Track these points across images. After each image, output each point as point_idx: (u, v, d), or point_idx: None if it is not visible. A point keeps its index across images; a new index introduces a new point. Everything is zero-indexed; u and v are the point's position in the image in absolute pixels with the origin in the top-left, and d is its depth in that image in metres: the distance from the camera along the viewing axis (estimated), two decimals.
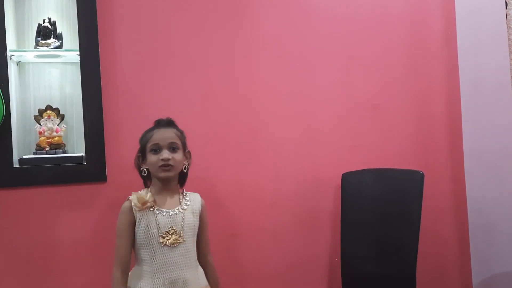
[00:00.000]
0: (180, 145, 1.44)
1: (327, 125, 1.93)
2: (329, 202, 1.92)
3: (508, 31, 1.80)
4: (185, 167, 1.47)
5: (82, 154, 1.74)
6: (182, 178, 1.50)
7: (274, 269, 1.87)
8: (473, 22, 1.99)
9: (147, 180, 1.49)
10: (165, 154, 1.39)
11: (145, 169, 1.44)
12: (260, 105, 1.88)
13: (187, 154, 1.48)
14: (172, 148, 1.42)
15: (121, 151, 1.75)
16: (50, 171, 1.68)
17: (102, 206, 1.74)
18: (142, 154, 1.46)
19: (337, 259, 1.84)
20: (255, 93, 1.88)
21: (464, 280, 2.05)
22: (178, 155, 1.42)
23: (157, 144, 1.41)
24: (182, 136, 1.47)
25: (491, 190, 1.93)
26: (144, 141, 1.45)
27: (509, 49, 1.81)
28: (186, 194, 1.48)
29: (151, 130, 1.45)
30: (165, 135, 1.42)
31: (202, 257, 1.48)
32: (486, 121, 1.95)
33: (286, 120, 1.90)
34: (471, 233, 2.05)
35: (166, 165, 1.39)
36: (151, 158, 1.41)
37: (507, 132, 1.85)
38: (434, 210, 1.98)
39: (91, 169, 1.71)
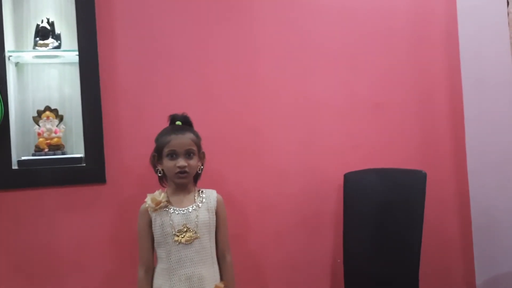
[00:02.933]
0: (196, 150, 1.48)
1: (329, 125, 1.92)
2: (331, 202, 1.91)
3: (509, 30, 1.79)
4: (199, 169, 1.51)
5: (81, 155, 1.73)
6: (195, 176, 1.54)
7: (277, 269, 1.86)
8: (475, 20, 1.99)
9: (162, 179, 1.52)
10: (181, 162, 1.43)
11: (161, 170, 1.48)
12: (262, 105, 1.87)
13: (201, 155, 1.52)
14: (188, 154, 1.45)
15: (120, 152, 1.74)
16: (49, 172, 1.67)
17: (101, 208, 1.73)
18: (157, 154, 1.49)
19: (340, 260, 1.83)
20: (257, 93, 1.87)
21: (467, 280, 2.04)
22: (194, 161, 1.46)
23: (174, 151, 1.44)
24: (197, 139, 1.50)
25: (494, 189, 1.92)
26: (160, 143, 1.47)
27: (511, 47, 1.80)
28: (202, 191, 1.52)
29: (168, 133, 1.47)
30: (182, 142, 1.45)
31: (219, 254, 1.50)
32: (488, 119, 1.94)
33: (288, 120, 1.89)
34: (474, 233, 2.04)
35: (181, 172, 1.43)
36: (168, 163, 1.45)
37: (509, 130, 1.84)
38: (437, 210, 1.97)
39: (90, 170, 1.70)
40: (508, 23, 1.79)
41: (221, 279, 1.48)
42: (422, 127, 2.01)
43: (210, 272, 1.43)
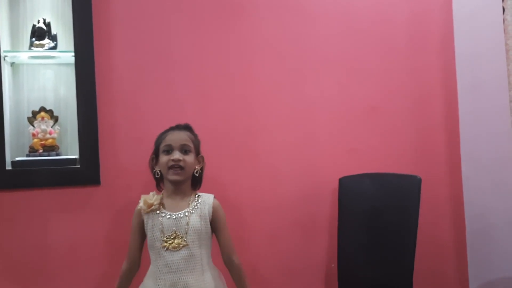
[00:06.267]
0: (193, 148, 1.46)
1: (325, 129, 1.93)
2: (326, 206, 1.91)
3: (505, 36, 1.80)
4: (197, 171, 1.48)
5: (76, 156, 1.72)
6: (195, 181, 1.51)
7: (271, 273, 1.86)
8: (471, 27, 2.00)
9: (160, 182, 1.51)
10: (176, 154, 1.42)
11: (158, 171, 1.47)
12: (258, 108, 1.87)
13: (199, 159, 1.50)
14: (184, 150, 1.44)
15: (115, 154, 1.74)
16: (44, 173, 1.66)
17: (95, 209, 1.72)
18: (156, 156, 1.48)
19: (334, 265, 1.82)
20: (253, 96, 1.87)
21: (461, 284, 2.04)
22: (189, 158, 1.45)
23: (169, 145, 1.44)
24: (195, 140, 1.49)
25: (489, 195, 1.93)
26: (157, 142, 1.48)
27: (507, 54, 1.80)
28: (198, 196, 1.49)
29: (165, 131, 1.48)
30: (178, 136, 1.45)
31: (225, 258, 1.48)
32: (483, 126, 1.95)
33: (283, 124, 1.89)
34: (469, 237, 2.04)
35: (176, 166, 1.41)
36: (163, 158, 1.44)
37: (504, 137, 1.85)
38: (431, 215, 1.97)
39: (84, 171, 1.69)
40: (504, 30, 1.79)
41: (235, 284, 1.46)
42: (418, 132, 2.02)
43: (198, 280, 1.39)
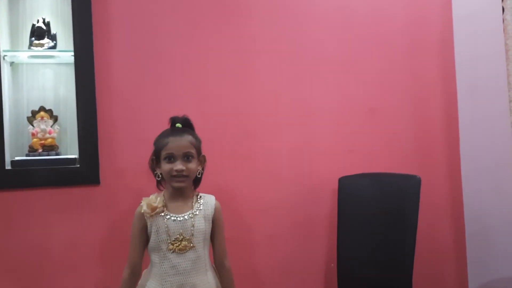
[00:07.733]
0: (195, 153, 1.43)
1: (324, 129, 1.93)
2: (325, 207, 1.91)
3: (505, 36, 1.80)
4: (199, 173, 1.47)
5: (76, 156, 1.72)
6: (196, 181, 1.50)
7: (270, 274, 1.86)
8: (470, 27, 2.00)
9: (160, 182, 1.49)
10: (179, 165, 1.39)
11: (160, 174, 1.44)
12: (257, 109, 1.87)
13: (201, 159, 1.48)
14: (187, 157, 1.41)
15: (114, 154, 1.74)
16: (43, 173, 1.66)
17: (95, 209, 1.72)
18: (156, 157, 1.45)
19: (333, 265, 1.82)
20: (252, 97, 1.87)
21: (460, 285, 2.04)
22: (192, 164, 1.42)
23: (171, 154, 1.40)
24: (197, 142, 1.45)
25: (488, 195, 1.93)
26: (158, 146, 1.43)
27: (506, 54, 1.80)
28: (200, 196, 1.48)
29: (166, 135, 1.43)
30: (180, 144, 1.40)
31: (217, 261, 1.47)
32: (483, 125, 1.95)
33: (282, 124, 1.89)
34: (468, 238, 2.04)
35: (179, 176, 1.39)
36: (165, 166, 1.41)
37: (504, 137, 1.85)
38: (430, 215, 1.97)
39: (84, 171, 1.69)
40: (503, 29, 1.79)
41: (222, 285, 1.45)
42: (417, 132, 2.02)
43: (203, 280, 1.40)
